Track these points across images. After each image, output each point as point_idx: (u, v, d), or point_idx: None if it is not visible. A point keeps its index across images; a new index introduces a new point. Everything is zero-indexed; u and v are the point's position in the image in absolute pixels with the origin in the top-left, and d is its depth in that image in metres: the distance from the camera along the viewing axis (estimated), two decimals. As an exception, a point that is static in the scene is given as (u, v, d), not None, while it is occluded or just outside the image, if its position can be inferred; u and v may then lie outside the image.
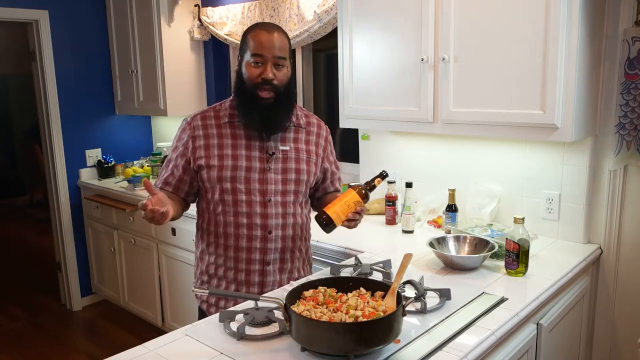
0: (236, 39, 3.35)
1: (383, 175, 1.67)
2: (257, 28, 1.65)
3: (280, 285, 1.75)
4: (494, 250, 1.85)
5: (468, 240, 1.96)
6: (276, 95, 1.63)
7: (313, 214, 1.77)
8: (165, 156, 3.74)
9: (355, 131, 2.88)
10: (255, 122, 1.65)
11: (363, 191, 1.62)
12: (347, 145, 3.17)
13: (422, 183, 2.58)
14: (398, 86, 2.25)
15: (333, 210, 1.59)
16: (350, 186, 1.66)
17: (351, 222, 1.61)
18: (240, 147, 1.68)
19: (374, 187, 1.65)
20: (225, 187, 1.66)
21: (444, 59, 2.06)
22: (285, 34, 1.67)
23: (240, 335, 1.36)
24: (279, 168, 1.70)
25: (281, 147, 1.71)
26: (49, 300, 4.20)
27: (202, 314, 1.79)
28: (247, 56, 1.63)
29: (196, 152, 1.68)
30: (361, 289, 1.41)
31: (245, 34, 1.66)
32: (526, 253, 1.79)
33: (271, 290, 1.73)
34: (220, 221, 1.70)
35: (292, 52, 3.37)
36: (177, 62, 3.61)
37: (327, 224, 1.59)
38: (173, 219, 1.61)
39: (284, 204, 1.70)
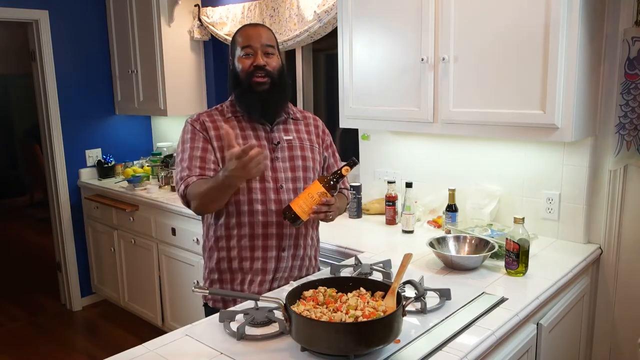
0: (236, 39, 3.35)
1: (351, 164, 1.60)
2: (244, 26, 1.75)
3: (291, 271, 1.77)
4: (494, 250, 1.85)
5: (468, 240, 1.96)
6: (271, 81, 1.69)
7: None
8: (166, 157, 3.75)
9: (355, 131, 2.88)
10: (257, 109, 1.69)
11: (329, 182, 1.58)
12: (347, 145, 3.17)
13: (422, 183, 2.58)
14: (398, 86, 2.25)
15: (297, 204, 1.57)
16: (317, 177, 1.63)
17: (320, 214, 1.59)
18: (250, 137, 1.72)
19: (341, 175, 1.59)
20: None
21: (444, 59, 2.06)
22: (271, 30, 1.76)
23: (240, 335, 1.36)
24: (286, 156, 1.74)
25: (285, 137, 1.76)
26: (49, 300, 4.20)
27: (209, 312, 1.77)
28: (238, 51, 1.70)
29: (211, 142, 1.69)
30: (361, 289, 1.41)
31: (234, 36, 1.75)
32: (526, 253, 1.79)
33: (282, 275, 1.75)
34: (233, 211, 1.70)
35: (289, 52, 3.37)
36: (177, 62, 3.61)
37: (294, 219, 1.58)
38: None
39: (295, 190, 1.73)
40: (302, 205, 1.57)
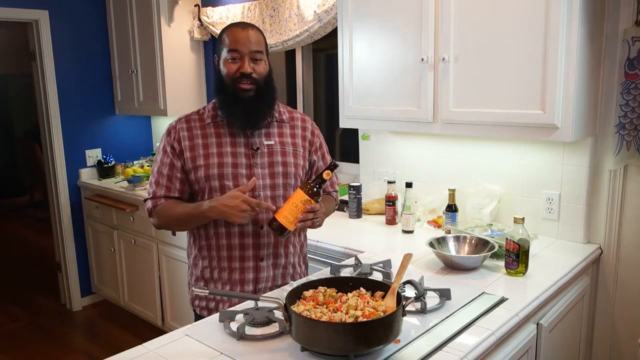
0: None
1: (331, 167, 1.59)
2: (232, 26, 1.67)
3: (274, 280, 1.75)
4: (494, 250, 1.85)
5: (468, 240, 1.96)
6: (257, 88, 1.64)
7: None
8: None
9: (355, 131, 2.88)
10: (239, 117, 1.65)
11: (312, 189, 1.56)
12: (347, 145, 3.17)
13: (422, 183, 2.58)
14: (398, 86, 2.25)
15: (282, 214, 1.54)
16: (299, 185, 1.61)
17: (307, 222, 1.57)
18: (225, 144, 1.68)
19: (323, 180, 1.57)
20: (214, 185, 1.66)
21: (444, 59, 2.06)
22: (260, 31, 1.69)
23: (240, 335, 1.36)
24: (265, 163, 1.70)
25: (266, 142, 1.71)
26: (49, 300, 4.20)
27: (198, 319, 1.78)
28: (224, 53, 1.64)
29: (184, 154, 1.68)
30: (361, 289, 1.41)
31: (221, 34, 1.68)
32: (526, 253, 1.79)
33: (264, 286, 1.73)
34: (211, 222, 1.69)
35: (289, 52, 3.38)
36: (177, 62, 3.61)
37: (281, 231, 1.55)
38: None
39: (273, 198, 1.70)
40: (287, 216, 1.54)
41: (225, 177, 1.65)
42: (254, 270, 1.71)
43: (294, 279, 1.80)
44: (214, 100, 1.75)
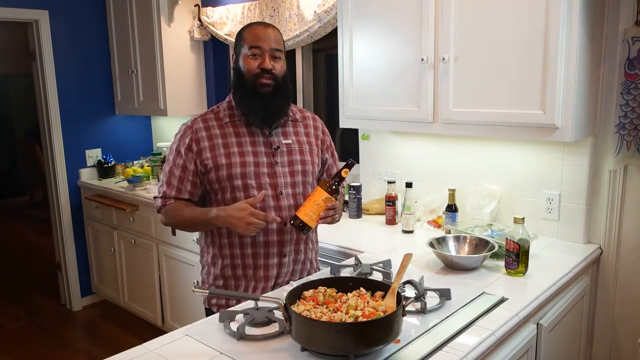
0: (236, 39, 3.35)
1: (350, 165, 1.62)
2: (252, 24, 1.71)
3: (292, 275, 1.78)
4: (494, 250, 1.85)
5: (468, 240, 1.96)
6: (275, 84, 1.67)
7: None
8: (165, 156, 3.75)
9: (355, 131, 2.88)
10: (258, 112, 1.67)
11: (331, 187, 1.59)
12: (347, 145, 3.17)
13: (422, 183, 2.58)
14: (398, 86, 2.25)
15: (304, 212, 1.58)
16: (318, 183, 1.64)
17: (328, 218, 1.63)
18: (246, 144, 1.70)
19: (342, 179, 1.61)
20: (237, 184, 1.67)
21: (444, 59, 2.06)
22: (279, 31, 1.73)
23: (240, 335, 1.36)
24: (285, 161, 1.73)
25: (284, 141, 1.74)
26: (49, 300, 4.20)
27: (210, 313, 1.79)
28: (245, 50, 1.67)
29: (202, 154, 1.68)
30: (361, 289, 1.41)
31: (241, 32, 1.71)
32: (526, 253, 1.79)
33: (283, 280, 1.76)
34: None
35: (289, 53, 3.38)
36: (177, 62, 3.61)
37: (302, 228, 1.58)
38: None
39: (294, 195, 1.72)
40: (309, 214, 1.58)
41: (248, 176, 1.67)
42: (277, 267, 1.74)
43: (309, 274, 1.84)
44: (227, 99, 1.77)
